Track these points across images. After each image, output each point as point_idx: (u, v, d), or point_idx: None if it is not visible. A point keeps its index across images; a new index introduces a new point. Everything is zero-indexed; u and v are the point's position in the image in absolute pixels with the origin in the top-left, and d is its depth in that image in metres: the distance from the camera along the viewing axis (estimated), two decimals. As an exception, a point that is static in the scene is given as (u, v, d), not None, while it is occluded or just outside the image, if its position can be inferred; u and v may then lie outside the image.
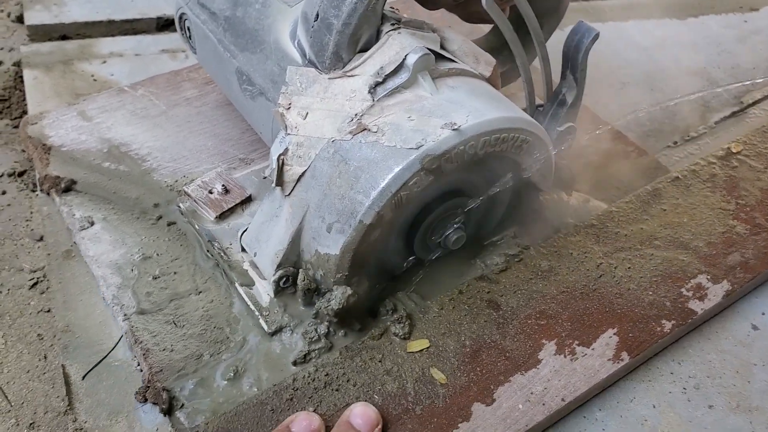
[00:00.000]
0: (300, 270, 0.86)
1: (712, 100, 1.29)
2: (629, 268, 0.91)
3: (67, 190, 1.03)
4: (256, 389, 0.81)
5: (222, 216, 0.99)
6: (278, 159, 0.86)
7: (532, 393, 0.76)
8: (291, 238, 0.86)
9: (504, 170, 0.90)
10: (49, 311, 0.92)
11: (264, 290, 0.92)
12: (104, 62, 1.34)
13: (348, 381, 0.79)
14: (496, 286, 0.89)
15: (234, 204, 1.00)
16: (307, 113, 0.86)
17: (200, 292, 0.92)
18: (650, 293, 0.89)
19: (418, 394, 0.77)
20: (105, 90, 1.21)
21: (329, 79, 0.85)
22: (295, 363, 0.84)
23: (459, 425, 0.74)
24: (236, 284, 0.92)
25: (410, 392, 0.77)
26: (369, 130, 0.81)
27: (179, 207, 1.01)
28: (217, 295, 0.92)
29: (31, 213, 1.05)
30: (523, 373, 0.79)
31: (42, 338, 0.89)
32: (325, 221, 0.82)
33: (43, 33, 1.40)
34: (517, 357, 0.80)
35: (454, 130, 0.79)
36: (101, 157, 1.08)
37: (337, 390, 0.78)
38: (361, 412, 0.73)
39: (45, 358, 0.87)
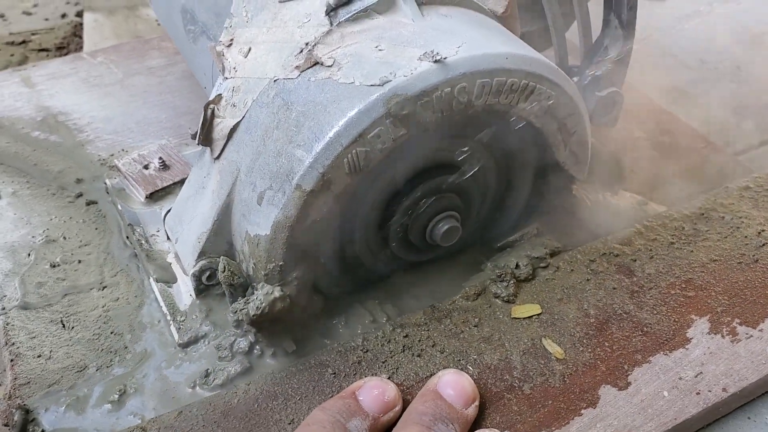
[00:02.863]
0: (221, 258, 0.63)
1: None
2: None
3: (-21, 159, 0.84)
4: (139, 420, 0.58)
5: (153, 196, 0.77)
6: (206, 109, 0.64)
7: (680, 378, 0.61)
8: (217, 215, 0.63)
9: (516, 139, 0.65)
10: None
11: (186, 289, 0.68)
12: None
13: (434, 346, 0.63)
14: (628, 248, 0.72)
15: (172, 183, 0.78)
16: (249, 49, 0.64)
17: (105, 287, 0.70)
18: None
19: (527, 370, 0.61)
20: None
21: (280, 2, 0.64)
22: (194, 386, 0.59)
23: (582, 411, 0.58)
24: (151, 279, 0.69)
25: (516, 366, 0.61)
26: (322, 63, 0.58)
27: (105, 184, 0.80)
28: (126, 293, 0.69)
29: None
30: (667, 353, 0.63)
31: None
32: (257, 189, 0.59)
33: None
34: (658, 333, 0.65)
35: (435, 62, 0.55)
36: (32, 126, 0.89)
37: (418, 356, 0.62)
38: (452, 382, 0.56)
39: None
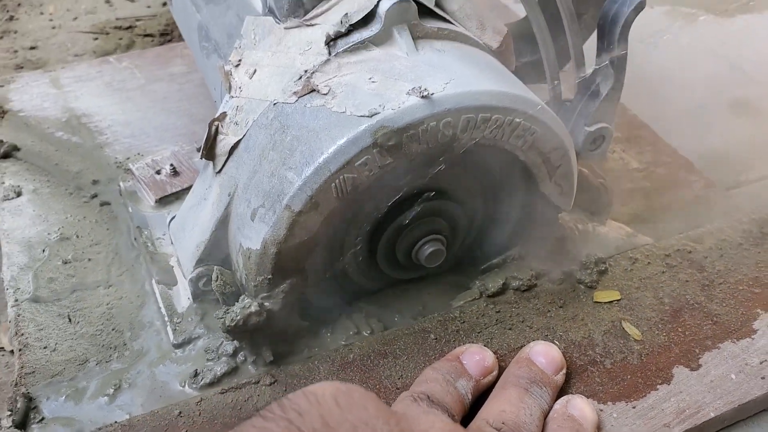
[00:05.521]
0: (215, 268, 0.67)
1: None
2: None
3: (6, 156, 0.89)
4: (127, 416, 0.62)
5: (162, 201, 0.81)
6: (211, 126, 0.68)
7: (747, 364, 0.67)
8: (215, 226, 0.67)
9: (502, 170, 0.68)
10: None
11: (185, 293, 0.73)
12: None
13: (523, 322, 0.70)
14: (700, 245, 0.80)
15: (181, 188, 0.82)
16: (255, 71, 0.68)
17: (110, 285, 0.74)
18: None
19: (608, 347, 0.68)
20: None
21: (285, 29, 0.67)
22: (184, 384, 0.64)
23: (658, 387, 0.65)
24: (153, 280, 0.74)
25: (598, 343, 0.69)
26: (318, 91, 0.62)
27: (119, 186, 0.84)
28: (130, 292, 0.74)
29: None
30: (734, 341, 0.69)
31: None
32: (251, 206, 0.63)
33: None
34: (726, 323, 0.71)
35: (422, 97, 0.58)
36: (57, 126, 0.95)
37: (510, 329, 0.70)
38: (543, 351, 0.63)
39: None
